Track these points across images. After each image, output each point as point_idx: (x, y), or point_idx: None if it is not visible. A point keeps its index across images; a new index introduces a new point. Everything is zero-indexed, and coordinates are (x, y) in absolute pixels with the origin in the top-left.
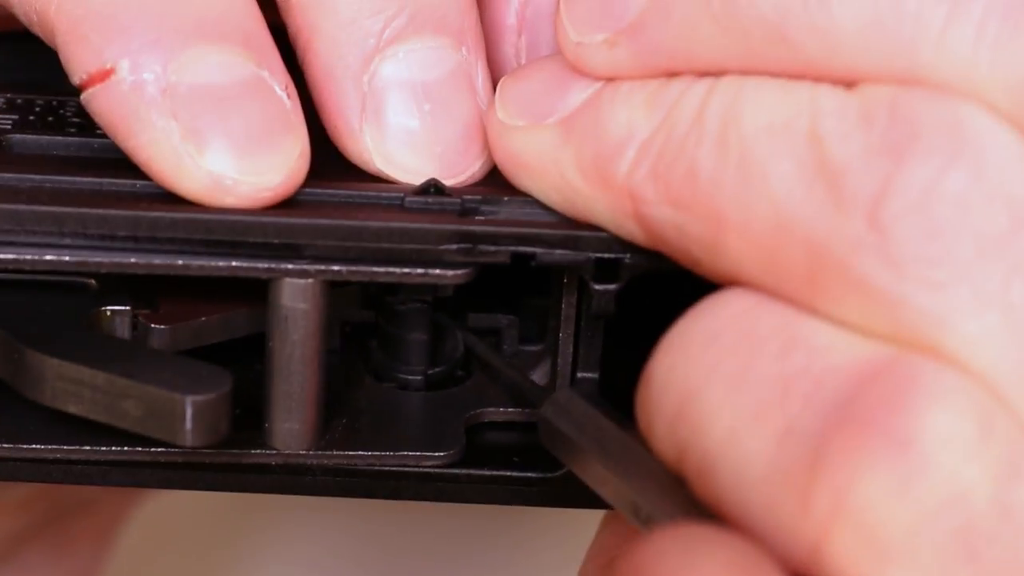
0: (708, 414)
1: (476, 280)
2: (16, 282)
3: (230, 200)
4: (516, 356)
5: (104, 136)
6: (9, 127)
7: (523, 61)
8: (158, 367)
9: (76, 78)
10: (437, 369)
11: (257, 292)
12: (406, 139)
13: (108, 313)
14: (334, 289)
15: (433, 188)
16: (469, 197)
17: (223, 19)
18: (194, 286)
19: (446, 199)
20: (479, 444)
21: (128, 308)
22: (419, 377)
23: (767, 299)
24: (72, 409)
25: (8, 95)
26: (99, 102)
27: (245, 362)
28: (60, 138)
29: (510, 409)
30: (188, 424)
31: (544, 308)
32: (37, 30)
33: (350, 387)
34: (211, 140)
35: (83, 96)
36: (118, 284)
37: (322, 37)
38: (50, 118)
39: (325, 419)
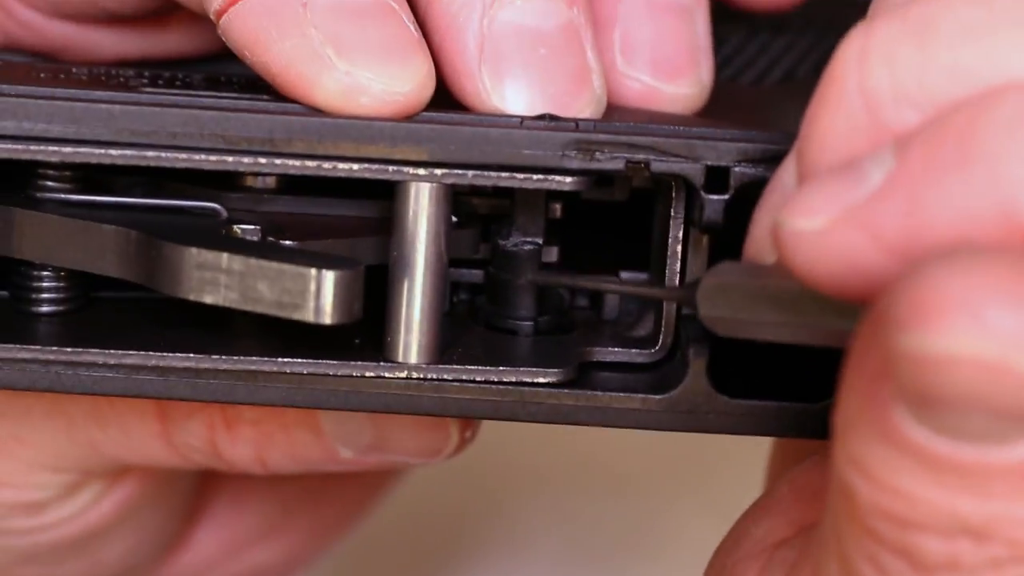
0: None
1: (577, 247)
2: (151, 207)
3: (364, 100)
4: (618, 319)
5: (233, 97)
6: (140, 85)
7: (617, 54)
8: (291, 253)
9: (216, 4)
10: (546, 317)
11: (382, 229)
12: (521, 79)
13: (238, 230)
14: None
15: (549, 117)
16: (583, 120)
17: None
18: (320, 224)
19: (562, 122)
20: (590, 379)
21: (257, 227)
22: (528, 323)
23: None
24: (208, 299)
25: (137, 69)
26: (239, 20)
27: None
28: (189, 91)
29: (618, 349)
30: (324, 299)
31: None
32: None
33: (463, 334)
34: (349, 44)
35: (221, 23)
36: (248, 215)
37: None
38: (177, 82)
39: (442, 345)
